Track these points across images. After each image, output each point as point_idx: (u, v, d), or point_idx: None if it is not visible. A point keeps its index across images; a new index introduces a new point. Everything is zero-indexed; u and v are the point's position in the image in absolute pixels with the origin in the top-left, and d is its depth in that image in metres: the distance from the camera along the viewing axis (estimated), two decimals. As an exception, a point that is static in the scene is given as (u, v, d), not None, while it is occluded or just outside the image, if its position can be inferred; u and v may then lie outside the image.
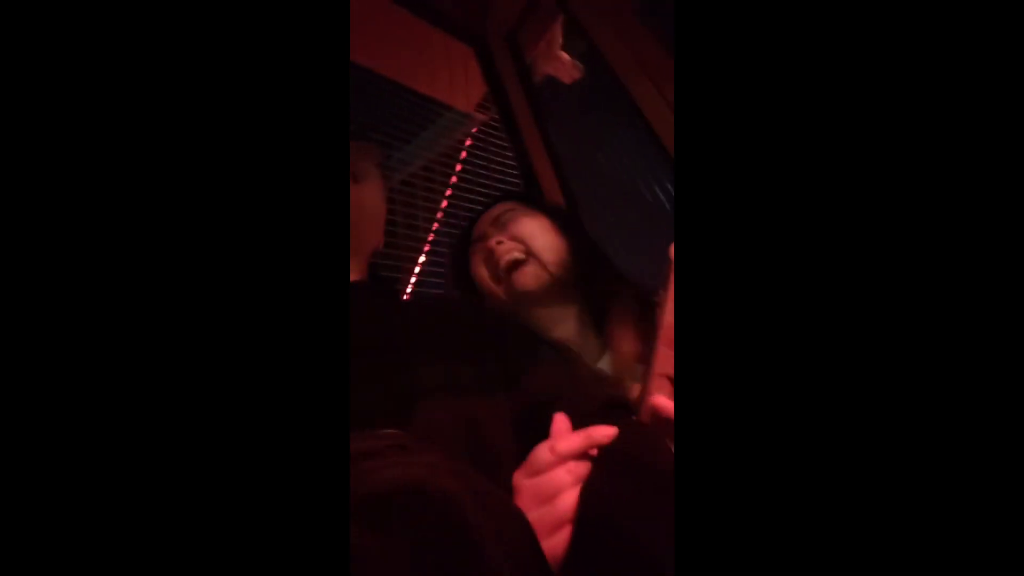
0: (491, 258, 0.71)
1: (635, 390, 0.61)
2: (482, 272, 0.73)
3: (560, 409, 0.42)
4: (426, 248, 1.26)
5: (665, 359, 0.49)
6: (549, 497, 0.34)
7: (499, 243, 0.70)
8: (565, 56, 1.29)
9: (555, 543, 0.32)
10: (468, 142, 1.40)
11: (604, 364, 0.68)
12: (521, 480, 0.36)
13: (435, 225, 1.29)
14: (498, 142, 1.39)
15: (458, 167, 1.36)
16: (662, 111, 0.88)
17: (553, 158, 1.25)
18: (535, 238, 0.71)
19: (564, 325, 0.71)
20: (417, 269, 1.24)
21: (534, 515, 0.32)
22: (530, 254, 0.69)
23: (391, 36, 1.19)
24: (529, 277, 0.68)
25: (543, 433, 0.39)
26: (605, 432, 0.36)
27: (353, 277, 0.56)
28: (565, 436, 0.37)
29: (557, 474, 0.35)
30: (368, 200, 0.57)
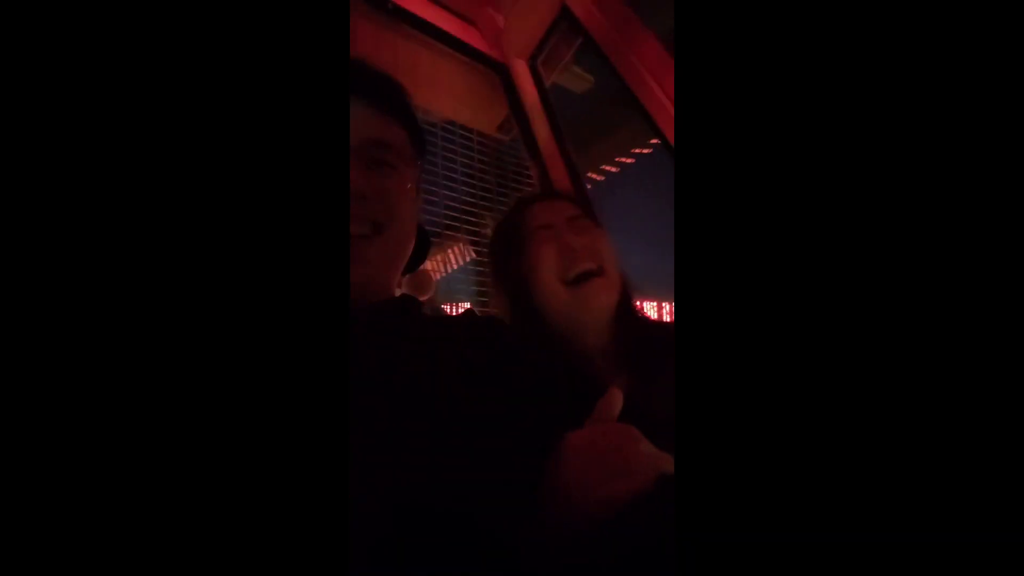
0: (565, 256, 0.66)
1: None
2: (547, 264, 0.66)
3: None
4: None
5: None
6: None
7: (583, 248, 0.66)
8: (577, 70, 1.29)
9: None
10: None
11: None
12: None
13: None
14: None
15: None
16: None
17: (575, 180, 1.25)
18: (610, 259, 0.67)
19: (599, 336, 0.68)
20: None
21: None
22: (603, 271, 0.66)
23: (412, 63, 1.23)
24: (601, 290, 0.65)
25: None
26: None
27: (383, 296, 0.53)
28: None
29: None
30: (404, 216, 0.52)
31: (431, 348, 0.51)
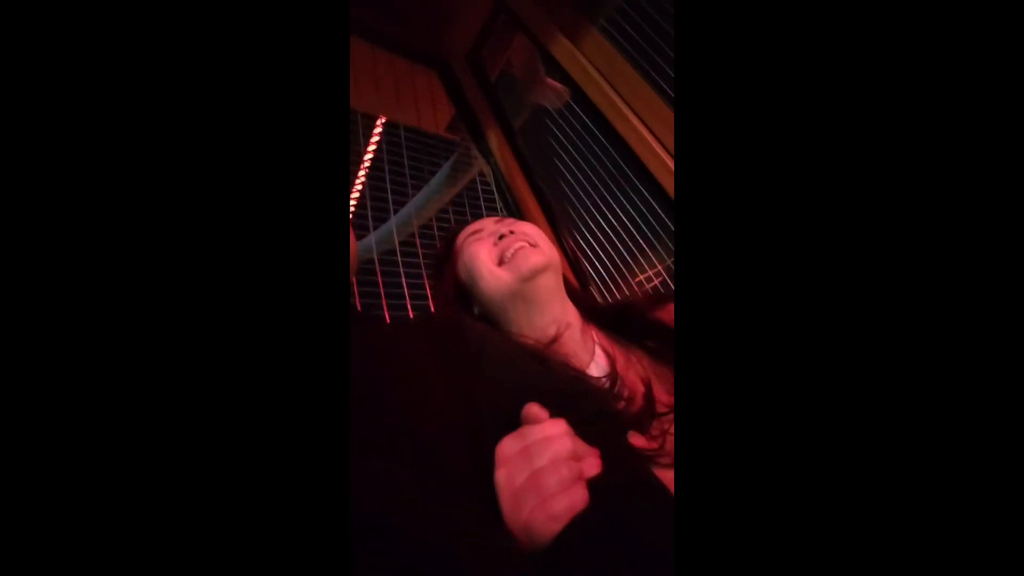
0: (497, 245, 0.71)
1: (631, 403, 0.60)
2: (482, 257, 0.71)
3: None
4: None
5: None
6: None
7: (510, 233, 0.72)
8: (552, 82, 1.28)
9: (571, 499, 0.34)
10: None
11: (594, 368, 0.65)
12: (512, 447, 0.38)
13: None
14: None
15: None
16: (622, 112, 0.87)
17: (527, 173, 1.24)
18: (541, 237, 0.73)
19: (558, 316, 0.70)
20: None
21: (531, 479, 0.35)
22: (536, 245, 0.72)
23: (354, 68, 1.19)
24: (537, 256, 0.69)
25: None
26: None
27: None
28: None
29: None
30: None
31: (400, 350, 0.51)
